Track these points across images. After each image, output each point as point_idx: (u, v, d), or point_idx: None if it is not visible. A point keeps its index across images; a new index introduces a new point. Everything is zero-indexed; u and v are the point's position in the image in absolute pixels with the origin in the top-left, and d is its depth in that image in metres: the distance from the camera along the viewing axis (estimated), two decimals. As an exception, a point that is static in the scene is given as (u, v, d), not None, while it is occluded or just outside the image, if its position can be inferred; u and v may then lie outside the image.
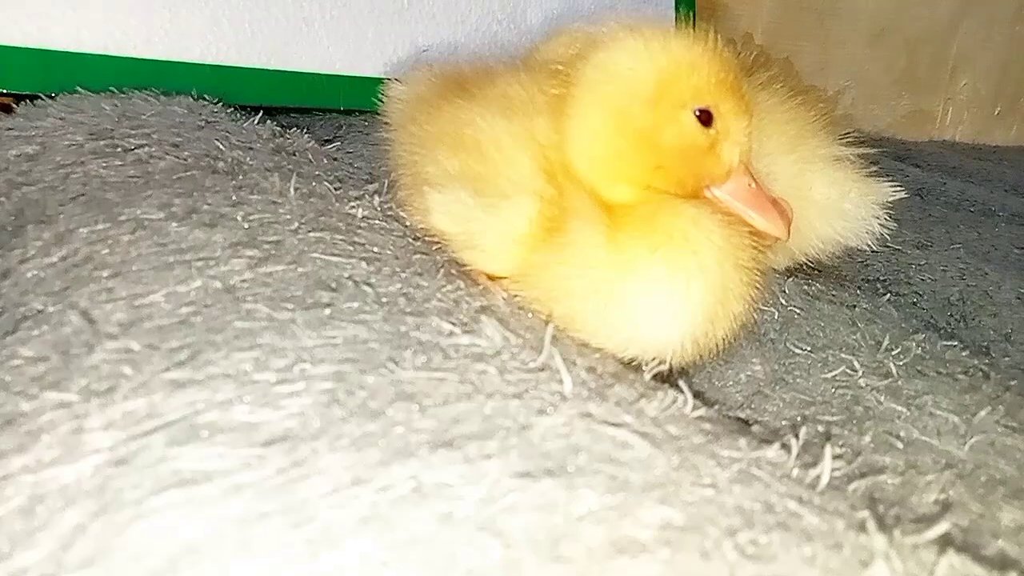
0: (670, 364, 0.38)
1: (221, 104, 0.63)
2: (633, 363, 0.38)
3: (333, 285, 0.37)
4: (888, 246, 0.64)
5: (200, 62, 0.69)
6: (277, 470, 0.25)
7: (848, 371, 0.43)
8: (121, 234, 0.40)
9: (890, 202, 0.51)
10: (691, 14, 1.03)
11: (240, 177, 0.47)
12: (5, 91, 0.61)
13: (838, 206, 0.49)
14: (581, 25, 0.48)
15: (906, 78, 1.33)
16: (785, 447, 0.31)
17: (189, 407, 0.28)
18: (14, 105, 0.58)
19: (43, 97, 0.58)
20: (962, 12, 1.31)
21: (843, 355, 0.45)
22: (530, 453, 0.27)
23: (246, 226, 0.41)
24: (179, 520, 0.24)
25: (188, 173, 0.47)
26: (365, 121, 0.74)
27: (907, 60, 1.32)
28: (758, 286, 0.39)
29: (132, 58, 0.66)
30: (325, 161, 0.55)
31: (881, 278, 0.62)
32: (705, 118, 0.38)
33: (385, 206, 0.48)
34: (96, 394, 0.29)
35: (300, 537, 0.23)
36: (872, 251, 0.61)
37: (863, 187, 0.50)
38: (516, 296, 0.40)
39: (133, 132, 0.52)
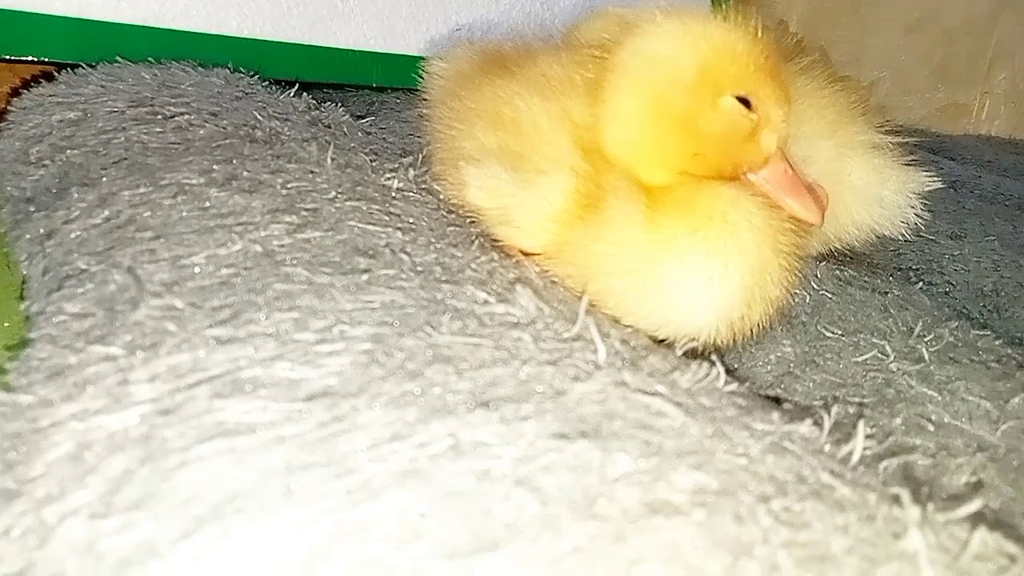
0: (703, 342, 0.38)
1: (257, 77, 0.63)
2: (666, 341, 0.38)
3: (370, 252, 0.37)
4: (921, 236, 0.63)
5: (236, 35, 0.70)
6: (318, 424, 0.26)
7: (879, 355, 0.43)
8: (163, 198, 0.40)
9: (925, 192, 0.51)
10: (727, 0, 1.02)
11: (278, 146, 0.47)
12: (47, 59, 0.62)
13: (876, 193, 0.49)
14: (618, 7, 0.47)
15: (942, 70, 1.31)
16: (817, 424, 0.31)
17: (232, 363, 0.28)
18: (56, 73, 0.59)
19: (83, 66, 0.59)
20: (1002, 4, 1.29)
21: (875, 340, 0.44)
22: (565, 417, 0.27)
23: (284, 193, 0.41)
24: (224, 468, 0.24)
25: (227, 141, 0.47)
26: (398, 98, 0.74)
27: (944, 52, 1.30)
28: (795, 271, 0.39)
29: (170, 29, 0.66)
30: (360, 134, 0.56)
31: (914, 267, 0.61)
32: (744, 104, 0.38)
33: (419, 179, 0.48)
34: (141, 348, 0.30)
35: (341, 488, 0.24)
36: (905, 240, 0.60)
37: (901, 175, 0.50)
38: (549, 272, 0.40)
39: (173, 100, 0.53)
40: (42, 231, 0.41)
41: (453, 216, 0.44)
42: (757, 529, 0.23)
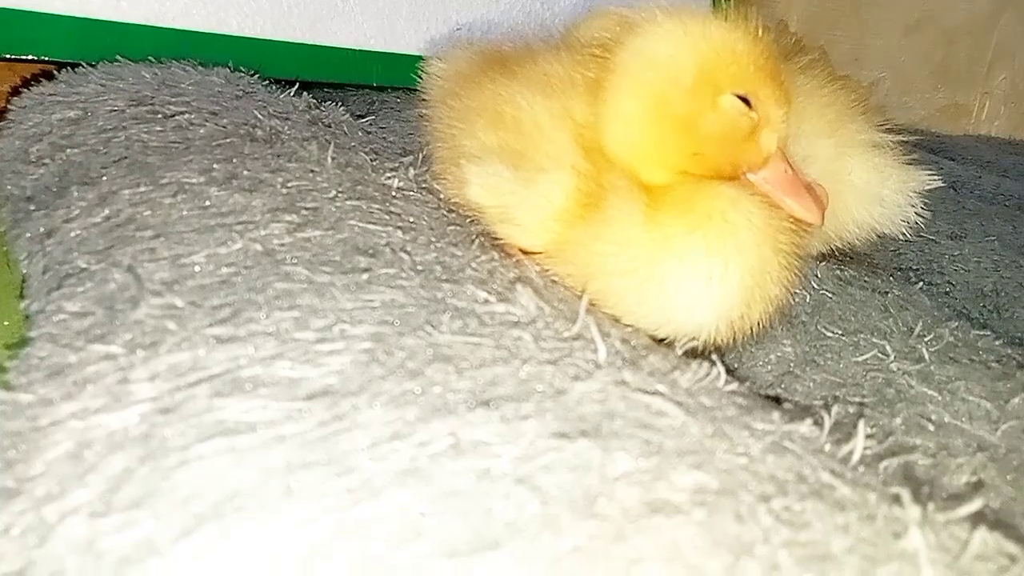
0: (703, 342, 0.38)
1: (257, 76, 0.63)
2: (666, 340, 0.38)
3: (370, 251, 0.37)
4: (921, 236, 0.63)
5: (237, 34, 0.70)
6: (319, 423, 0.26)
7: (880, 355, 0.43)
8: (163, 197, 0.40)
9: (925, 192, 0.51)
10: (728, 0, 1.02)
11: (278, 145, 0.47)
12: (47, 58, 0.62)
13: (877, 192, 0.49)
14: (618, 7, 0.47)
15: (942, 70, 1.31)
16: (817, 423, 0.31)
17: (232, 361, 0.28)
18: (56, 72, 0.59)
19: (84, 65, 0.59)
20: (1002, 4, 1.28)
21: (875, 339, 0.44)
22: (566, 416, 0.27)
23: (284, 192, 0.41)
24: (224, 467, 0.24)
25: (227, 140, 0.47)
26: (398, 97, 0.74)
27: (944, 52, 1.30)
28: (795, 270, 0.39)
29: (170, 28, 0.66)
30: (360, 134, 0.56)
31: (914, 267, 0.61)
32: (744, 103, 0.38)
33: (419, 178, 0.48)
34: (141, 347, 0.30)
35: (341, 486, 0.24)
36: (905, 240, 0.60)
37: (902, 174, 0.50)
38: (549, 271, 0.40)
39: (173, 100, 0.53)
40: (42, 230, 0.41)
41: (453, 215, 0.44)
42: (757, 528, 0.23)
